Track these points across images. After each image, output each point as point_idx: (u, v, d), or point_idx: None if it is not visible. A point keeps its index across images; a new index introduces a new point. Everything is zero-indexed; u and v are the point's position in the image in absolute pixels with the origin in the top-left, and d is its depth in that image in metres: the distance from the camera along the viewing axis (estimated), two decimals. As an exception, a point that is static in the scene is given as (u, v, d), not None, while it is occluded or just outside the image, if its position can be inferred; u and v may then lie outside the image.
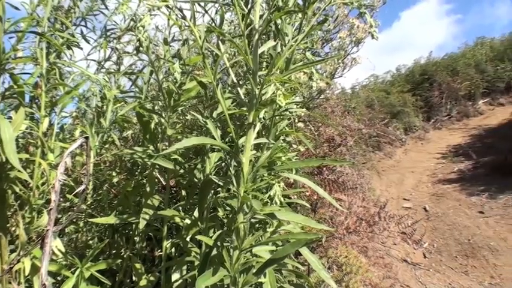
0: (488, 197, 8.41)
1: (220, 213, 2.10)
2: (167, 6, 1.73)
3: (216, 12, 2.57)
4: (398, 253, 6.04)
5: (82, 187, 1.70)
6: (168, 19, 2.44)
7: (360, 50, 3.23)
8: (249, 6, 2.01)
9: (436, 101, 16.39)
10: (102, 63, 3.32)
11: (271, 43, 1.88)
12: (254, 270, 1.75)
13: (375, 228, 4.05)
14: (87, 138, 1.73)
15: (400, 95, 15.57)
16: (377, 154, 8.91)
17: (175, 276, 2.38)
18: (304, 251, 1.92)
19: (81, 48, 2.99)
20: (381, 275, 4.62)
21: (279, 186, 1.74)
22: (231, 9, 2.56)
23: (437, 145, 13.27)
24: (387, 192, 8.82)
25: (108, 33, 3.34)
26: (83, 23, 3.12)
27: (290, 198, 2.72)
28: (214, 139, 1.76)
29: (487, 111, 16.35)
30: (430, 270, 5.89)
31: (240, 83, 2.32)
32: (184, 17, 1.72)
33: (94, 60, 3.32)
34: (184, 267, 2.44)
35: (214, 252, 1.87)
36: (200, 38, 1.69)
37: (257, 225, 2.23)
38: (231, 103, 2.35)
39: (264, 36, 2.39)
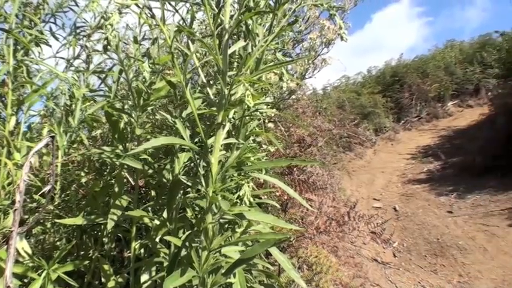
0: (457, 197, 8.57)
1: (189, 213, 2.09)
2: (137, 4, 1.71)
3: (187, 12, 2.55)
4: (368, 252, 6.10)
5: (48, 187, 1.67)
6: (139, 18, 2.42)
7: (331, 51, 3.25)
8: (220, 6, 2.00)
9: (406, 103, 16.64)
10: (71, 61, 3.26)
11: (241, 43, 1.88)
12: (223, 271, 1.74)
13: (344, 228, 4.07)
14: (53, 137, 1.70)
15: (370, 96, 15.76)
16: (348, 154, 8.99)
17: (144, 277, 2.36)
18: (274, 251, 1.92)
19: (50, 46, 2.94)
20: (351, 274, 4.67)
21: (248, 186, 1.74)
22: (202, 8, 2.55)
23: (407, 146, 13.46)
24: (357, 192, 8.91)
25: (78, 31, 3.28)
26: (52, 20, 3.07)
27: (260, 198, 2.72)
28: (183, 139, 1.75)
29: (456, 112, 16.66)
30: (400, 269, 5.97)
31: (211, 82, 2.31)
32: (153, 16, 1.70)
33: (63, 58, 3.26)
34: (154, 268, 2.42)
35: (184, 252, 1.86)
36: (169, 37, 1.67)
37: (227, 226, 2.22)
38: (202, 103, 2.34)
39: (235, 36, 2.38)
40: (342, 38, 1.81)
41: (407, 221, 7.81)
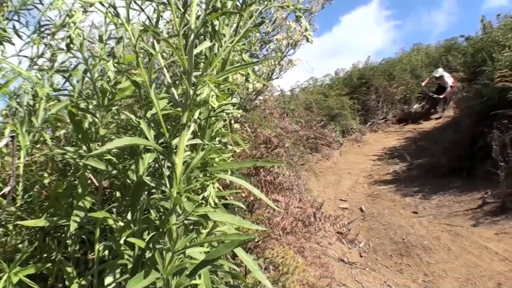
0: (422, 198, 8.72)
1: (153, 214, 2.08)
2: (101, 3, 1.69)
3: (154, 11, 2.53)
4: (335, 253, 6.15)
5: (8, 188, 1.64)
6: (105, 16, 2.39)
7: (299, 53, 3.28)
8: (186, 5, 1.99)
9: (372, 105, 16.86)
10: (34, 60, 3.20)
11: (207, 44, 1.87)
12: (187, 272, 1.73)
13: (310, 228, 4.10)
14: (13, 137, 1.67)
15: (338, 98, 15.90)
16: (315, 156, 9.05)
17: (108, 279, 2.33)
18: (240, 252, 1.93)
19: (13, 44, 2.88)
20: (318, 275, 4.69)
21: (214, 187, 1.73)
22: (169, 8, 2.53)
23: (373, 147, 13.63)
24: (324, 193, 8.97)
25: (42, 29, 3.22)
26: (15, 18, 3.00)
27: (226, 199, 2.71)
28: (148, 140, 1.74)
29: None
30: (366, 269, 6.03)
31: (177, 83, 2.30)
32: (117, 15, 1.68)
33: (26, 57, 3.20)
34: (118, 270, 2.39)
35: (149, 254, 1.84)
36: (134, 36, 1.66)
37: (192, 227, 2.21)
38: (168, 103, 2.32)
39: (202, 37, 2.37)
40: (307, 40, 1.82)
41: (374, 222, 7.90)
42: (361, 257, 6.46)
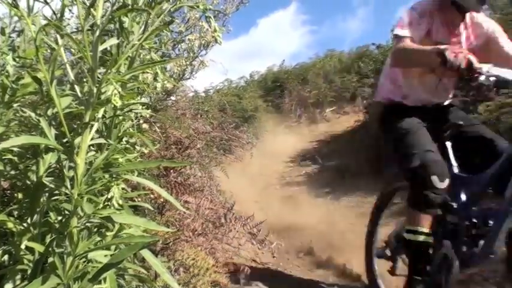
0: (333, 199, 9.00)
1: (53, 217, 1.99)
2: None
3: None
4: (247, 253, 6.18)
5: None
6: (10, 8, 2.26)
7: (215, 54, 3.28)
8: (93, 0, 1.92)
9: (286, 108, 17.20)
10: None
11: (113, 41, 1.82)
12: (90, 277, 1.67)
13: (221, 229, 4.10)
14: None
15: (252, 100, 16.04)
16: (228, 157, 9.04)
17: (8, 286, 2.19)
18: (147, 254, 1.88)
19: None
20: (230, 276, 4.69)
21: (118, 188, 1.68)
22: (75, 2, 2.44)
23: (286, 149, 13.85)
24: (237, 194, 9.00)
25: None
26: None
27: (134, 200, 2.65)
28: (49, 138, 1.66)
29: (334, 118, 17.45)
30: (278, 269, 6.12)
31: (84, 80, 2.22)
32: (16, 6, 1.60)
33: None
34: (18, 276, 2.27)
35: (51, 259, 1.76)
36: (34, 30, 1.58)
37: (97, 230, 2.14)
38: (73, 101, 2.24)
39: (110, 33, 2.31)
40: (216, 41, 1.82)
41: (286, 222, 8.04)
42: (274, 257, 6.54)
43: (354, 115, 16.29)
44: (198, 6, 1.87)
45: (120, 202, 1.69)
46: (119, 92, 1.46)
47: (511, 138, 3.43)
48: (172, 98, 4.61)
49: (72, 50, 2.59)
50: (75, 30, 2.67)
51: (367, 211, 8.16)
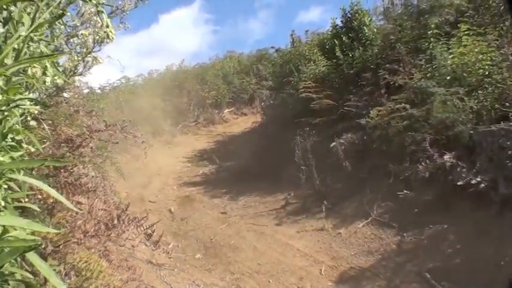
0: (230, 199, 9.09)
1: None
2: None
3: None
4: (143, 255, 6.08)
5: None
6: None
7: (113, 50, 3.16)
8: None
9: (184, 107, 17.17)
10: None
11: (-2, 30, 1.71)
12: (-33, 283, 1.56)
13: (114, 231, 3.99)
14: None
15: (150, 99, 15.82)
16: (124, 156, 8.84)
17: None
18: (33, 258, 1.78)
19: None
20: (125, 278, 4.58)
21: (1, 188, 1.58)
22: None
23: (183, 149, 13.82)
24: (133, 194, 8.83)
25: None
26: None
27: (21, 201, 2.50)
28: None
29: (232, 119, 17.68)
30: (175, 270, 6.08)
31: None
32: None
33: None
34: None
35: None
36: None
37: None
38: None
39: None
40: (108, 36, 1.76)
41: (182, 223, 8.02)
42: (170, 258, 6.48)
43: (252, 116, 16.60)
44: (90, 0, 1.80)
45: (3, 203, 1.59)
46: (1, 87, 1.37)
47: (400, 142, 3.58)
48: (65, 94, 4.41)
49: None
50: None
51: (264, 211, 8.36)
